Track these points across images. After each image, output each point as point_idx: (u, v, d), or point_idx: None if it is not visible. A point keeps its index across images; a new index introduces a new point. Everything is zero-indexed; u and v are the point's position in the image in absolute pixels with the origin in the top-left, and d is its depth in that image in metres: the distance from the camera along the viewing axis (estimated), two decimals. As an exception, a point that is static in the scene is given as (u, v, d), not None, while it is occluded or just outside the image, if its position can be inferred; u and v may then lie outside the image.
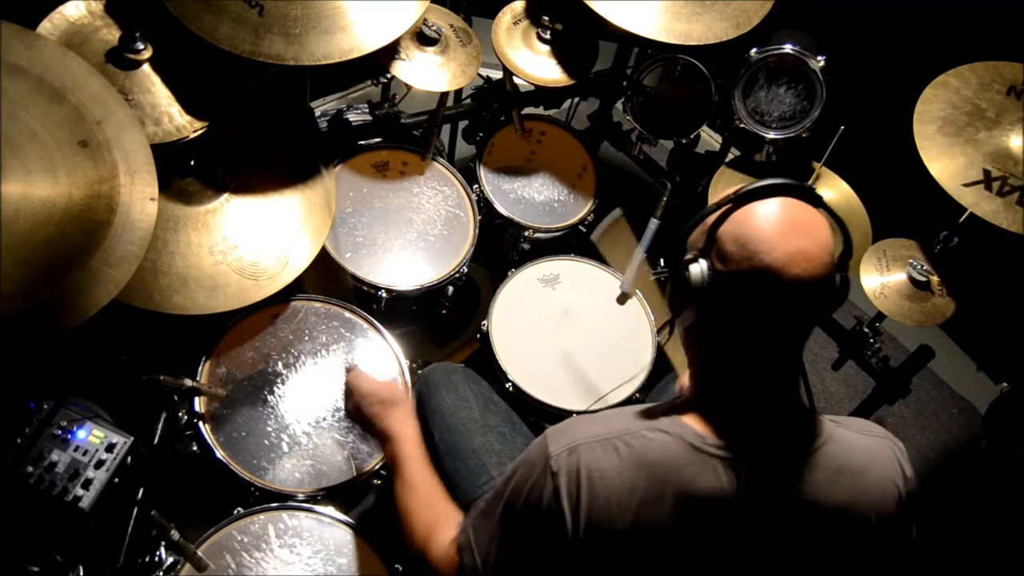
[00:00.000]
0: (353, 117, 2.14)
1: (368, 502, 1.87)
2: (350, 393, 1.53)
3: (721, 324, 1.02)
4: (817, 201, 1.02)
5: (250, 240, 1.67)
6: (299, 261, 1.70)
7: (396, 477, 1.35)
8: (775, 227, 0.97)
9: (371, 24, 1.68)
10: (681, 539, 1.02)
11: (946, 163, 1.83)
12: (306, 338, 1.83)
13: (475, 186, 2.19)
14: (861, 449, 1.08)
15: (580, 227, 2.25)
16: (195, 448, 1.65)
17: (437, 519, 1.25)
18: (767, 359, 1.03)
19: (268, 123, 1.81)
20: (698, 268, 0.99)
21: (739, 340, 1.02)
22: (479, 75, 2.20)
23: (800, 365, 1.07)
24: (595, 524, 1.01)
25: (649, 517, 1.01)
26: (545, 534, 1.04)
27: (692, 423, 1.04)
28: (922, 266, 1.95)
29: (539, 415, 1.90)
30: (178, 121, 1.58)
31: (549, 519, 1.03)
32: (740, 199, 0.99)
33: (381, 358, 1.85)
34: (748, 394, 1.04)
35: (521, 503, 1.06)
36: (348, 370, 1.58)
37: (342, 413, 1.74)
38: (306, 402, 1.74)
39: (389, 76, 2.02)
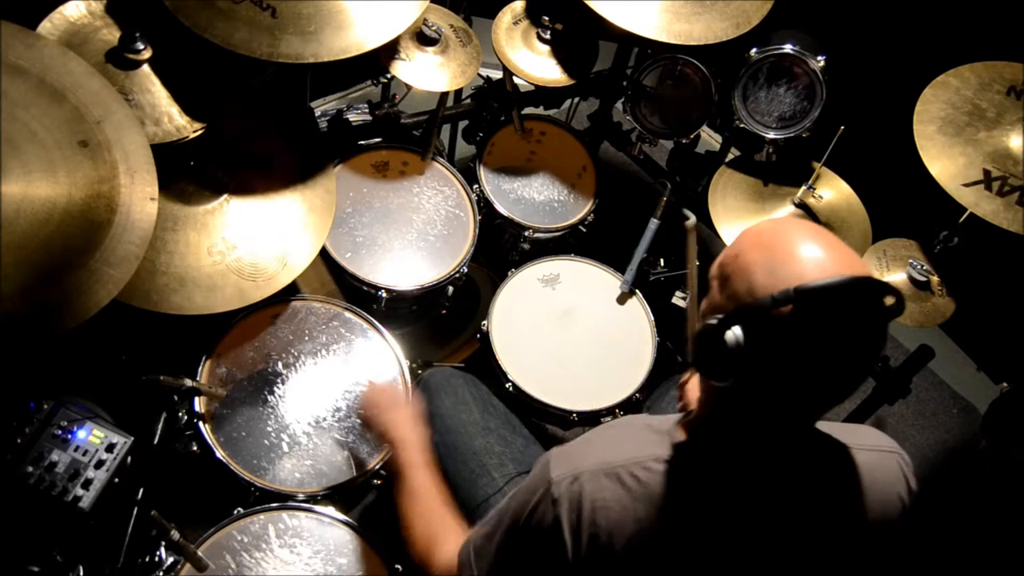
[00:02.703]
0: (353, 117, 2.14)
1: (368, 502, 1.87)
2: (362, 406, 1.59)
3: (752, 386, 0.98)
4: (884, 291, 0.94)
5: (249, 241, 1.67)
6: (298, 262, 1.70)
7: (399, 483, 1.36)
8: (839, 340, 0.92)
9: (382, 14, 1.69)
10: (686, 569, 1.02)
11: (946, 163, 1.83)
12: (306, 338, 1.83)
13: (475, 186, 2.19)
14: (866, 467, 1.08)
15: (580, 227, 2.25)
16: (195, 448, 1.65)
17: (440, 530, 1.25)
18: (792, 408, 1.01)
19: (268, 123, 1.81)
20: (738, 346, 0.93)
21: (771, 398, 0.99)
22: (479, 75, 2.20)
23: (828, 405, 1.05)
24: (596, 555, 1.01)
25: (653, 551, 1.01)
26: (544, 558, 1.04)
27: (696, 452, 1.04)
28: (922, 266, 1.95)
29: (539, 415, 1.90)
30: (178, 121, 1.58)
31: (549, 545, 1.03)
32: (812, 303, 0.90)
33: (381, 358, 1.85)
34: (762, 431, 1.03)
35: (522, 526, 1.06)
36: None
37: (342, 413, 1.74)
38: (306, 402, 1.74)
39: (389, 76, 2.02)
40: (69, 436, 1.44)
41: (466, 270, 2.06)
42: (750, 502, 1.02)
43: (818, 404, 1.00)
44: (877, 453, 1.11)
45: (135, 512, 1.59)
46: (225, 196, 1.69)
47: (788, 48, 2.04)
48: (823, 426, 1.10)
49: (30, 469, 1.40)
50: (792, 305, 0.90)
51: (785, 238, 0.96)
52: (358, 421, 1.73)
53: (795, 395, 0.97)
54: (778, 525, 1.03)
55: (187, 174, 1.66)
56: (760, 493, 1.03)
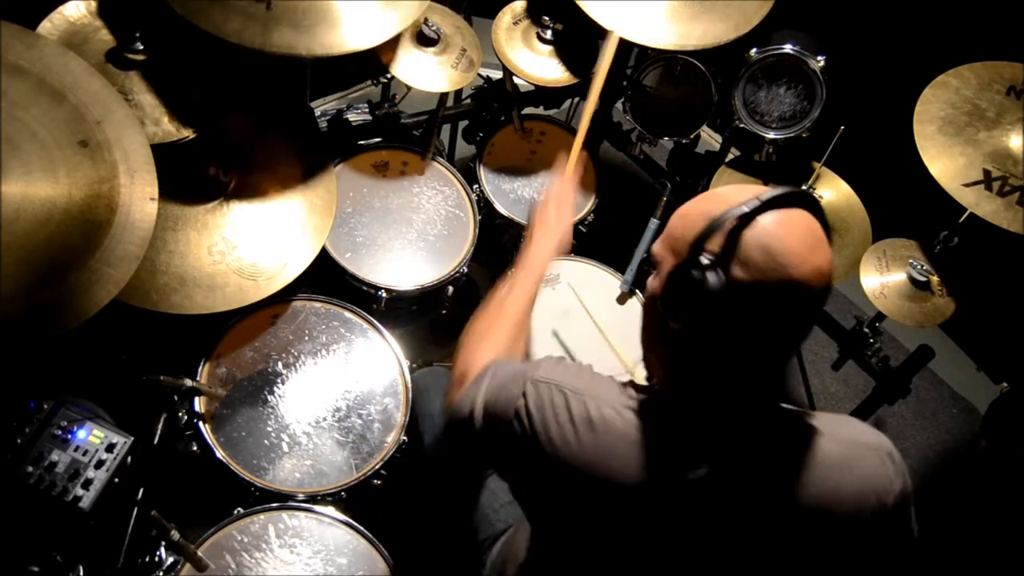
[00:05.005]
0: (353, 117, 2.14)
1: (368, 502, 1.87)
2: (551, 187, 1.53)
3: (724, 329, 0.99)
4: (821, 215, 1.01)
5: (249, 240, 1.67)
6: (298, 262, 1.70)
7: (514, 275, 1.37)
8: (803, 242, 0.95)
9: (378, 12, 1.68)
10: (624, 512, 1.04)
11: (946, 163, 1.83)
12: (306, 338, 1.83)
13: (475, 186, 2.19)
14: (840, 456, 1.05)
15: (580, 227, 2.25)
16: (195, 448, 1.65)
17: (494, 336, 1.28)
18: (756, 363, 1.02)
19: (268, 123, 1.81)
20: (715, 274, 0.96)
21: (731, 345, 1.00)
22: (479, 75, 2.20)
23: (784, 368, 1.07)
24: (542, 450, 1.05)
25: (596, 476, 1.03)
26: (506, 432, 1.09)
27: (667, 410, 1.06)
28: (922, 266, 1.95)
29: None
30: (178, 121, 1.58)
31: (508, 424, 1.08)
32: (765, 206, 0.96)
33: (381, 358, 1.85)
34: (726, 392, 1.04)
35: (496, 401, 1.11)
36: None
37: (342, 413, 1.74)
38: (306, 402, 1.74)
39: (389, 76, 2.02)
40: (69, 436, 1.44)
41: (466, 270, 2.06)
42: (689, 462, 1.02)
43: (790, 334, 1.01)
44: (857, 447, 1.08)
45: (135, 512, 1.59)
46: (225, 196, 1.69)
47: (788, 48, 2.04)
48: (810, 416, 1.09)
49: (30, 469, 1.40)
50: (756, 210, 0.95)
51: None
52: (358, 421, 1.74)
53: (772, 319, 0.98)
54: (711, 490, 1.03)
55: (187, 174, 1.65)
56: (702, 456, 1.03)
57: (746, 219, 0.95)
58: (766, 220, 0.95)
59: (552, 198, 1.49)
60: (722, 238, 0.96)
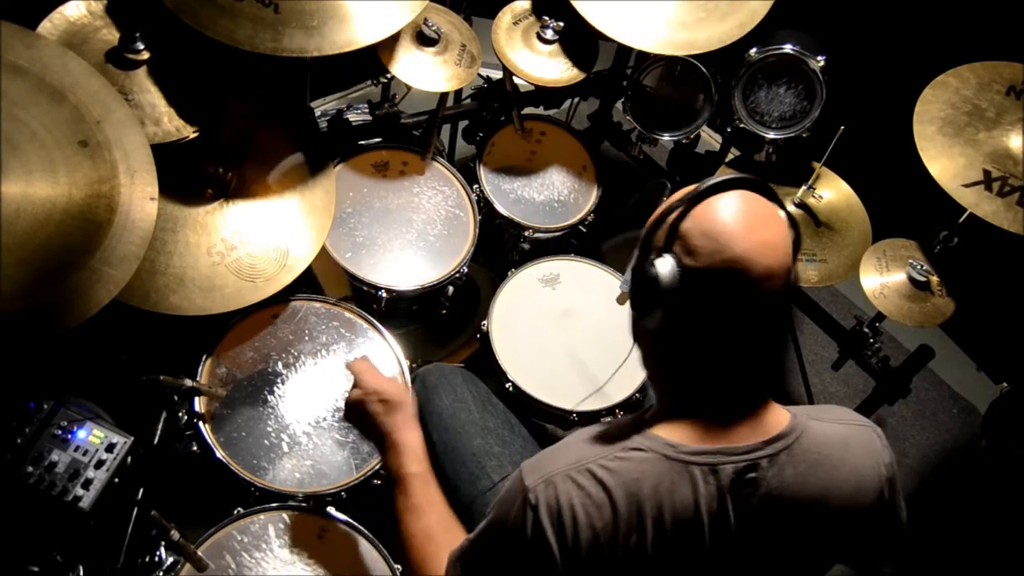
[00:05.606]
0: (353, 117, 2.14)
1: (368, 502, 1.87)
2: (354, 384, 1.38)
3: (691, 322, 1.02)
4: (770, 194, 1.04)
5: (249, 241, 1.67)
6: (298, 263, 1.70)
7: (399, 492, 1.28)
8: (740, 219, 0.99)
9: (385, 7, 1.69)
10: (669, 550, 1.02)
11: (946, 163, 1.83)
12: (306, 338, 1.83)
13: (475, 186, 2.19)
14: (837, 441, 1.09)
15: (580, 227, 2.25)
16: (195, 448, 1.65)
17: (439, 550, 1.18)
18: (735, 355, 1.04)
19: (268, 123, 1.81)
20: (666, 266, 1.00)
21: (707, 338, 1.03)
22: (479, 75, 2.20)
23: (771, 360, 1.09)
24: (584, 552, 1.01)
25: (636, 536, 1.01)
26: (533, 566, 1.03)
27: (663, 433, 1.05)
28: (922, 266, 1.95)
29: (539, 415, 1.90)
30: (178, 121, 1.58)
31: (535, 554, 1.02)
32: (700, 195, 1.02)
33: (381, 358, 1.85)
34: (716, 394, 1.05)
35: (503, 541, 1.06)
36: (355, 360, 1.43)
37: (342, 412, 1.73)
38: (306, 402, 1.74)
39: (389, 76, 2.02)
40: (69, 436, 1.44)
41: (466, 270, 2.06)
42: (717, 474, 1.02)
43: (758, 317, 1.01)
44: (847, 427, 1.12)
45: (135, 512, 1.59)
46: (225, 196, 1.69)
47: (788, 48, 2.04)
48: (799, 408, 1.11)
49: (30, 469, 1.40)
50: (691, 200, 1.01)
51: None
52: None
53: (732, 302, 1.00)
54: (746, 492, 1.03)
55: (187, 174, 1.65)
56: (726, 464, 1.02)
57: (685, 209, 1.01)
58: (704, 206, 1.01)
59: (369, 388, 1.35)
60: (665, 231, 1.02)
